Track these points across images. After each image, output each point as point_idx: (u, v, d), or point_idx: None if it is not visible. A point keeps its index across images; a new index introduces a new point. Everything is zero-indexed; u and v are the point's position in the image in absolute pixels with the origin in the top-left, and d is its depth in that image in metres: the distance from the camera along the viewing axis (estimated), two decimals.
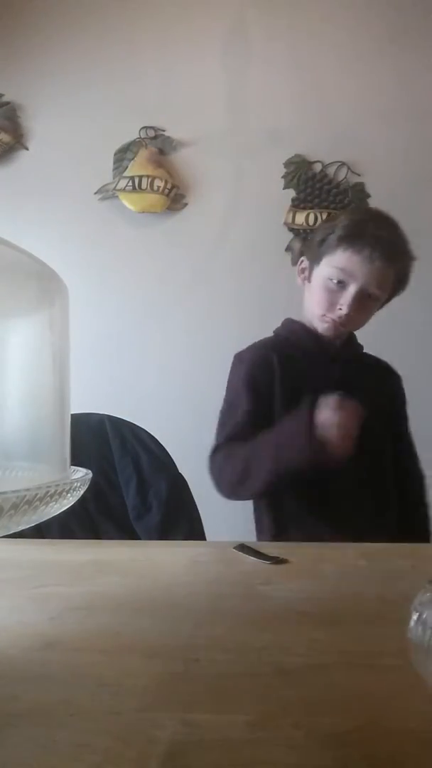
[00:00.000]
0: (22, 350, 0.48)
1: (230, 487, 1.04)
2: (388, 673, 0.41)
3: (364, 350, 1.20)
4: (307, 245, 1.15)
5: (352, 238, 1.01)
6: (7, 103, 2.01)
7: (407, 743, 0.33)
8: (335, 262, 1.02)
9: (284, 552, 0.73)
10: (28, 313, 0.48)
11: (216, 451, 1.06)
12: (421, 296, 1.86)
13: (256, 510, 1.15)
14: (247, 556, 0.73)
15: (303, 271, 1.12)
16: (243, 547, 0.76)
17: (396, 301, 1.13)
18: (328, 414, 0.89)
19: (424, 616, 0.35)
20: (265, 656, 0.44)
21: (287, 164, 1.92)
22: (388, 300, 1.10)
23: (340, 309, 1.02)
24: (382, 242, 1.00)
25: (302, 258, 1.14)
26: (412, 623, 0.35)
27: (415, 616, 0.35)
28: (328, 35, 1.95)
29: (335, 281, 1.02)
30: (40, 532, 0.96)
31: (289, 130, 1.93)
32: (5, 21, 2.01)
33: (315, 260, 1.07)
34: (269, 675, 0.41)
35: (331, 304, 1.03)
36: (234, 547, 0.77)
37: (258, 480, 0.98)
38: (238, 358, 1.14)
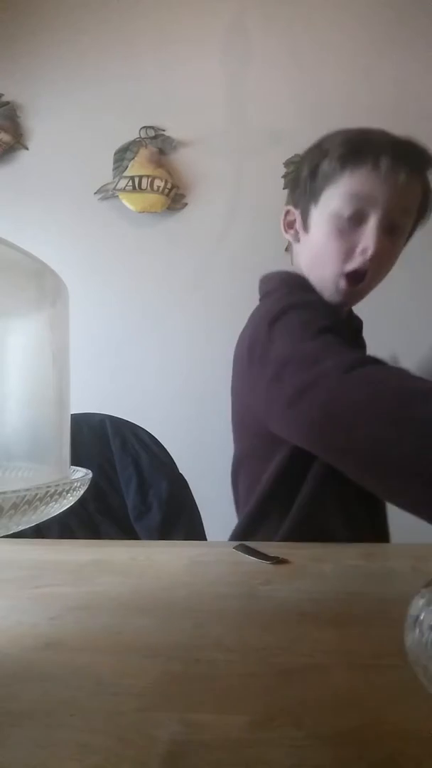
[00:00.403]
0: (22, 350, 0.48)
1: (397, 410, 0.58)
2: (389, 673, 0.41)
3: None
4: (292, 187, 0.87)
5: (359, 152, 0.76)
6: (7, 103, 2.01)
7: (407, 743, 0.33)
8: (344, 189, 0.76)
9: (284, 552, 0.73)
10: (28, 313, 0.48)
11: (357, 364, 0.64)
12: (420, 293, 1.86)
13: (267, 501, 0.92)
14: (247, 556, 0.73)
15: (291, 225, 0.86)
16: (243, 547, 0.76)
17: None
18: None
19: (421, 617, 0.35)
20: (266, 656, 0.44)
21: (287, 164, 1.92)
22: (410, 235, 0.84)
23: (365, 251, 0.76)
24: (398, 147, 0.77)
25: (288, 208, 0.87)
26: (407, 628, 0.35)
27: (410, 620, 0.35)
28: (328, 35, 1.95)
29: (347, 216, 0.76)
30: (40, 532, 0.96)
31: (289, 130, 1.93)
32: (5, 21, 2.01)
33: (311, 201, 0.81)
34: (269, 675, 0.41)
35: (349, 251, 0.77)
36: (234, 547, 0.77)
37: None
38: (285, 309, 0.77)
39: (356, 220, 0.76)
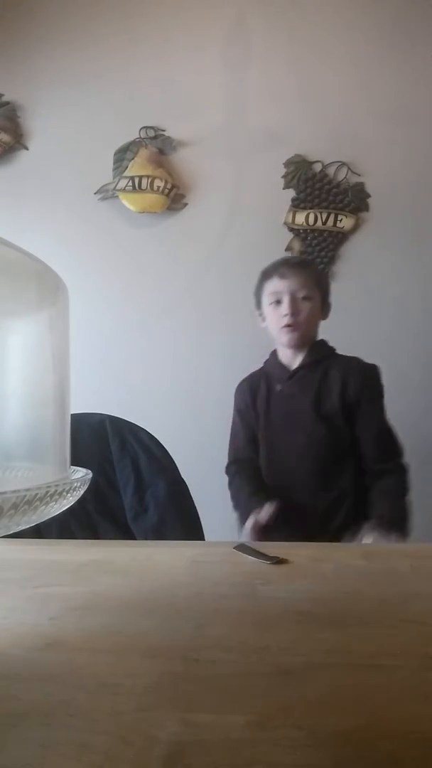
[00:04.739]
0: (22, 350, 0.48)
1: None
2: (388, 673, 0.41)
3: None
4: (256, 300, 1.39)
5: (267, 273, 1.33)
6: (7, 103, 2.01)
7: (407, 743, 0.33)
8: (267, 293, 1.31)
9: (284, 552, 0.73)
10: (28, 313, 0.48)
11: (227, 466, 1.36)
12: (421, 293, 1.86)
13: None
14: (247, 556, 0.73)
15: (261, 320, 1.37)
16: (243, 547, 0.76)
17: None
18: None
19: None
20: (266, 656, 0.44)
21: (287, 164, 1.92)
22: (324, 300, 1.33)
23: (285, 316, 1.26)
24: (284, 262, 1.33)
25: (259, 313, 1.39)
26: None
27: None
28: (328, 36, 1.96)
29: (273, 303, 1.29)
30: (40, 532, 0.96)
31: (289, 130, 1.93)
32: (5, 21, 2.01)
33: (259, 305, 1.35)
34: (269, 675, 0.41)
35: (279, 317, 1.28)
36: (234, 547, 0.77)
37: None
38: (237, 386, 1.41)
39: (279, 303, 1.28)
